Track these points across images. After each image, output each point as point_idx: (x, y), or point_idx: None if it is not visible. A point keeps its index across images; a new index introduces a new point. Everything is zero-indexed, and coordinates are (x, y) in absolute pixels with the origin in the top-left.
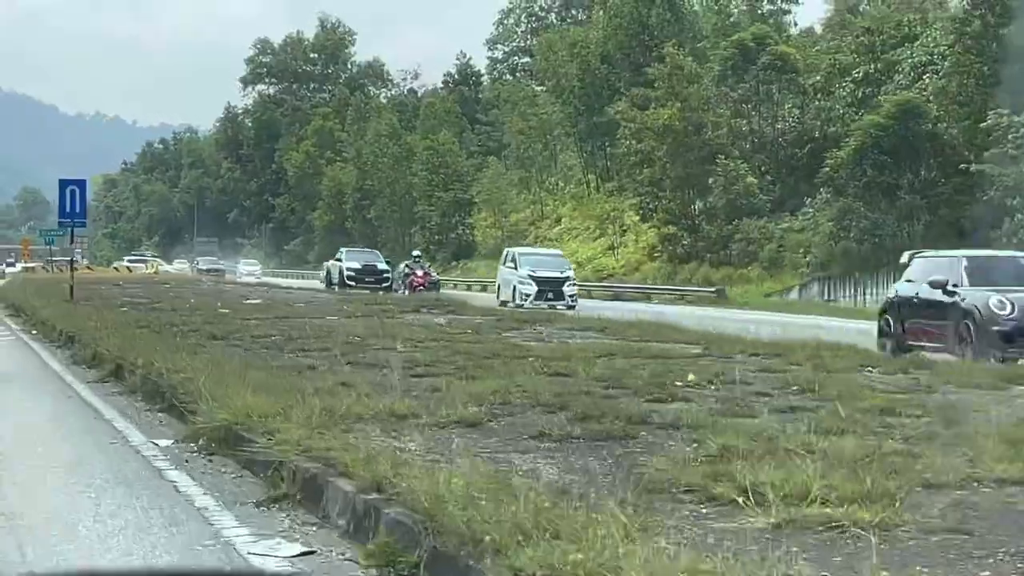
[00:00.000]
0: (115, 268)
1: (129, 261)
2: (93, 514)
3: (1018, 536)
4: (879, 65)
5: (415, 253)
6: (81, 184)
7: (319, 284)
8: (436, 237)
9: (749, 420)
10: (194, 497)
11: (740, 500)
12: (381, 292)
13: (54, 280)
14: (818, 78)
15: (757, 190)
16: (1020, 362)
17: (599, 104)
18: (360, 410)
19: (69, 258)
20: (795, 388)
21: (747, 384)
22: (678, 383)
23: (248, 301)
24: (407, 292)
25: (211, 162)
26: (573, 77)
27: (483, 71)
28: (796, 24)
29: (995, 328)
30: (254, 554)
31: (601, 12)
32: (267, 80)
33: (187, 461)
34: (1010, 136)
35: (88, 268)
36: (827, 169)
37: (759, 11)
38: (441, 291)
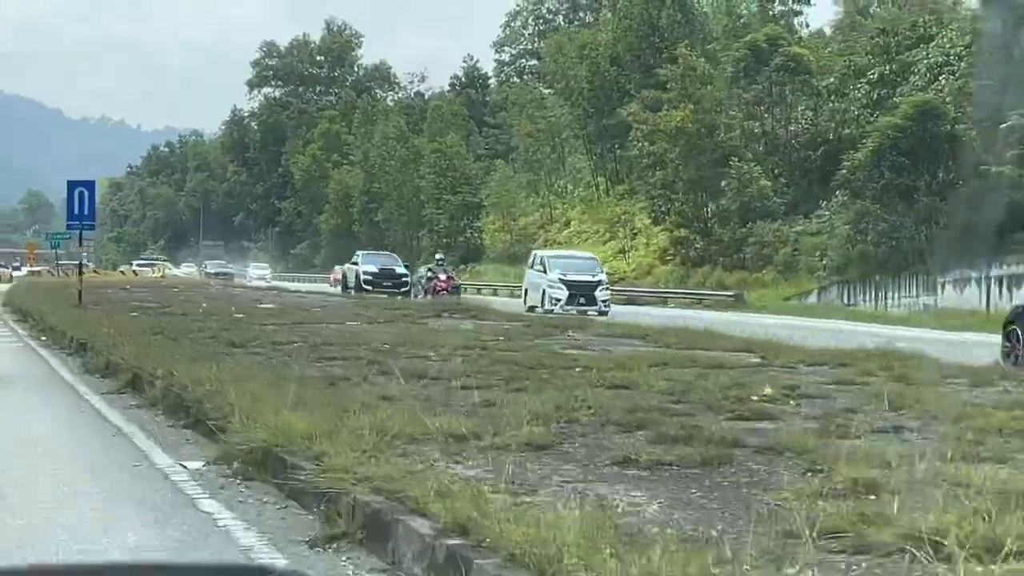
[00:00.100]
0: (121, 272)
1: (138, 265)
2: (119, 552)
3: None
4: (894, 66)
5: (438, 256)
6: (90, 185)
7: (329, 288)
8: (444, 241)
9: (853, 442)
10: (236, 533)
11: (913, 551)
12: (399, 297)
13: (61, 284)
14: (832, 80)
15: (771, 193)
16: None
17: (608, 106)
18: (413, 429)
19: (77, 262)
20: (885, 404)
21: (829, 399)
22: (753, 397)
23: (262, 306)
24: (429, 296)
25: (217, 166)
26: (582, 79)
27: (490, 74)
28: (808, 26)
29: None
30: None
31: (610, 14)
32: (273, 83)
33: (222, 488)
34: None
35: (94, 272)
36: (844, 171)
37: (770, 12)
38: (460, 296)
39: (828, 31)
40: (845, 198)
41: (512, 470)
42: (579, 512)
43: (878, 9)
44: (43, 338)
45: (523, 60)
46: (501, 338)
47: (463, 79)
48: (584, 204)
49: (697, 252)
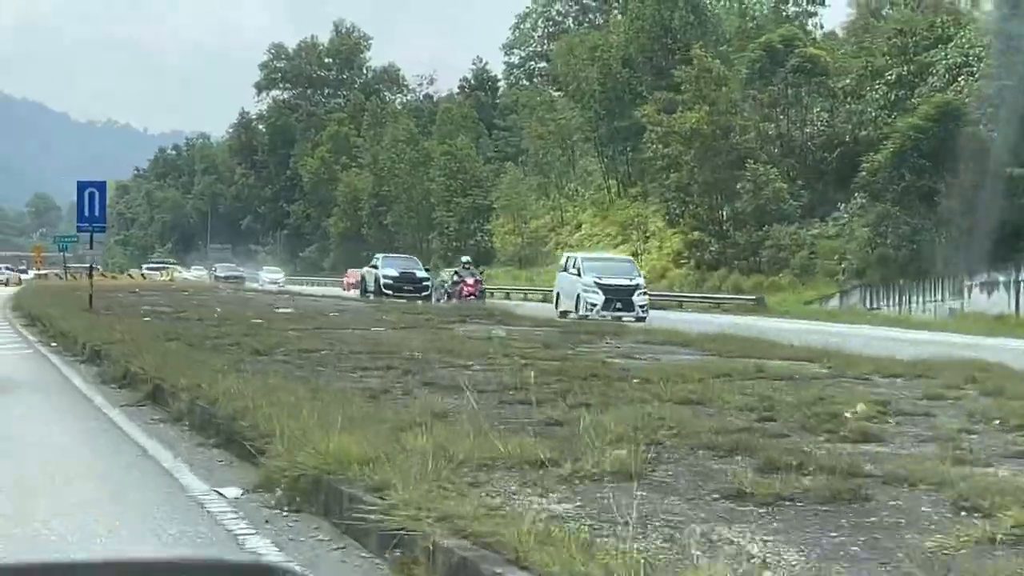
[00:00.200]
0: (129, 275)
1: (148, 268)
2: None
3: None
4: (912, 67)
5: (465, 259)
6: (100, 186)
7: (343, 292)
8: (454, 244)
9: (985, 470)
10: None
11: None
12: (419, 302)
13: (69, 288)
14: (848, 81)
15: (787, 195)
16: None
17: (620, 108)
18: (481, 454)
19: (88, 265)
20: (995, 422)
21: (928, 416)
22: (846, 415)
23: (279, 310)
24: (455, 300)
25: (224, 168)
26: (594, 81)
27: (499, 76)
28: (822, 27)
29: None
30: None
31: (621, 16)
32: (281, 85)
33: (267, 522)
34: None
35: (102, 275)
36: (863, 173)
37: (784, 13)
38: (485, 300)
39: (840, 33)
40: (864, 200)
41: (608, 505)
42: (724, 568)
43: (891, 11)
44: (54, 344)
45: (532, 62)
46: (538, 345)
47: (472, 81)
48: (595, 207)
49: (712, 255)
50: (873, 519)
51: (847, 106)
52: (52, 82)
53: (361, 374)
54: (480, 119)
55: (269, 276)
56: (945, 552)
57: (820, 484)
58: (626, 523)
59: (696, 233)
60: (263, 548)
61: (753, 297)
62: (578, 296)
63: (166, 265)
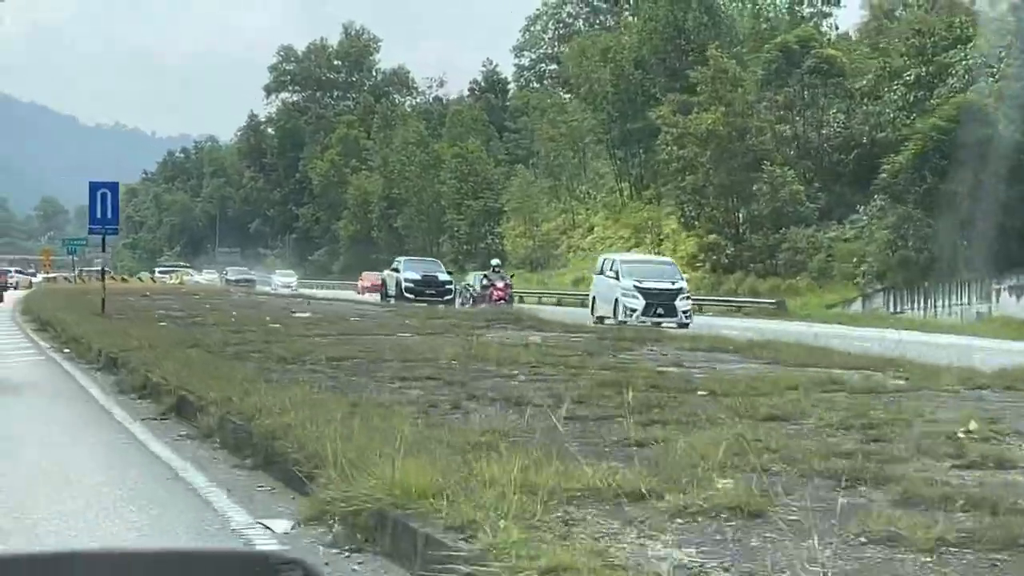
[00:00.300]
0: (139, 279)
1: (160, 272)
2: None
3: None
4: (931, 68)
5: (494, 262)
6: (113, 187)
7: (357, 295)
8: (465, 247)
9: None
10: None
11: None
12: (441, 306)
13: (79, 291)
14: (865, 82)
15: (804, 198)
16: None
17: (632, 110)
18: (568, 483)
19: (101, 268)
20: None
21: None
22: (959, 434)
23: (297, 315)
24: (484, 304)
25: (233, 171)
26: (606, 83)
27: (510, 79)
28: (837, 28)
29: None
30: None
31: (633, 17)
32: (291, 88)
33: (327, 564)
34: None
35: (112, 279)
36: (884, 175)
37: (799, 15)
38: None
39: (853, 35)
40: (884, 203)
41: (737, 550)
42: None
43: (904, 12)
44: (67, 350)
45: (543, 65)
46: (579, 353)
47: (482, 84)
48: (607, 209)
49: (728, 258)
50: None
51: (864, 107)
52: (59, 85)
53: (399, 384)
54: (490, 122)
55: (282, 280)
56: None
57: (985, 525)
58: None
59: (712, 236)
60: None
61: (773, 301)
62: (616, 301)
63: (176, 269)
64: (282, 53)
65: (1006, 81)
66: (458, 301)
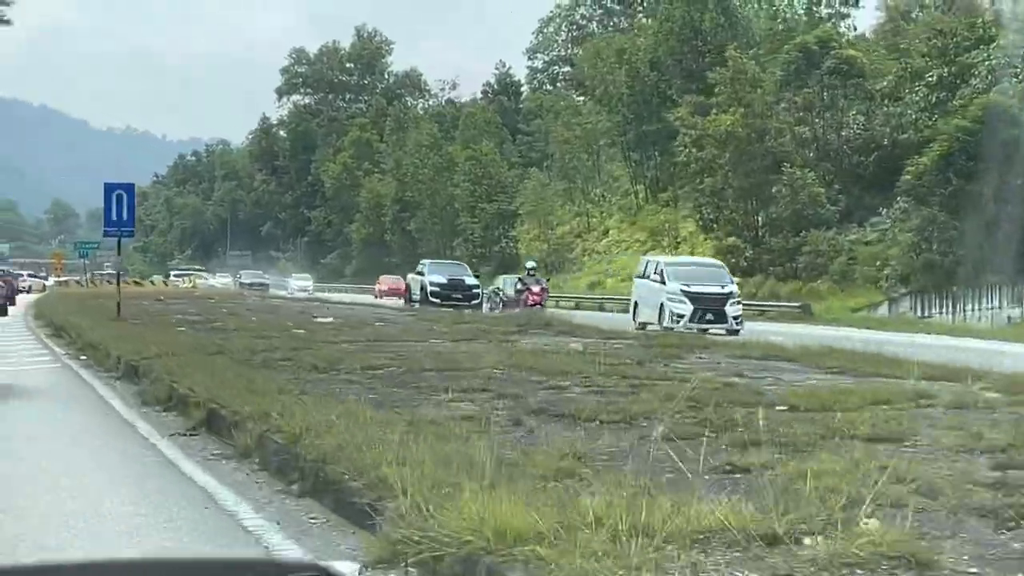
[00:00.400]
0: (151, 282)
1: (174, 275)
2: None
3: None
4: (953, 68)
5: (529, 265)
6: (128, 188)
7: (375, 299)
8: (479, 250)
9: None
10: None
11: None
12: (468, 310)
13: (91, 295)
14: (885, 83)
15: (824, 200)
16: None
17: (648, 112)
18: (687, 523)
19: (116, 271)
20: None
21: None
22: None
23: (319, 320)
24: (517, 309)
25: (245, 174)
26: (621, 84)
27: (523, 81)
28: (855, 28)
29: None
30: None
31: (648, 19)
32: (303, 91)
33: None
34: None
35: (125, 282)
36: (908, 177)
37: (817, 15)
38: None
39: (870, 36)
40: (907, 205)
41: None
42: None
43: (921, 14)
44: (83, 357)
45: (556, 67)
46: (627, 361)
47: (495, 86)
48: (622, 212)
49: (747, 261)
50: None
51: (885, 109)
52: (70, 89)
53: (446, 397)
54: (504, 124)
55: (298, 283)
56: None
57: None
58: None
59: (731, 239)
60: None
61: (798, 304)
62: (661, 306)
63: (190, 272)
64: (294, 56)
65: None
66: (486, 306)
